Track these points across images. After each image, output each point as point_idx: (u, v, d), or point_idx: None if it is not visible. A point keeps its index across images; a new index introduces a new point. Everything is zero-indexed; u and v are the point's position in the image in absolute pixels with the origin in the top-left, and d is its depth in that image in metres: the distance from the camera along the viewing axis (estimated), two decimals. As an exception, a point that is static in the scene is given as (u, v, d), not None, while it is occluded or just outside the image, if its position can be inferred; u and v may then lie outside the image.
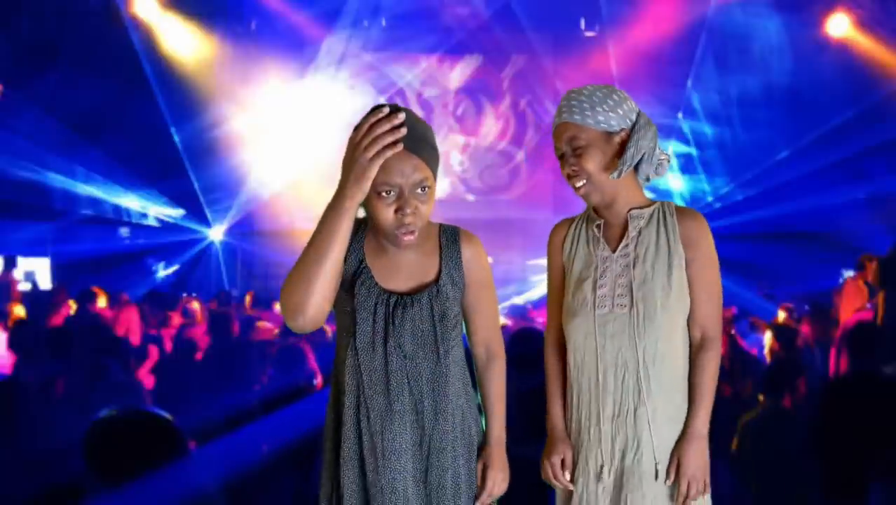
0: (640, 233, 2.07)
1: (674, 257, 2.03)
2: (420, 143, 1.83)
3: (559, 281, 2.18)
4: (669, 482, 2.00)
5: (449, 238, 1.99)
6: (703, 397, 2.02)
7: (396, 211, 1.82)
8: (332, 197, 1.80)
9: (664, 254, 2.04)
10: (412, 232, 1.85)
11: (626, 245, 2.07)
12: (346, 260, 1.90)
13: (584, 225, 2.16)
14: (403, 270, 1.94)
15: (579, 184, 2.07)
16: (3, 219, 10.73)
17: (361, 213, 1.93)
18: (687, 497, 1.98)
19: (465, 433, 1.98)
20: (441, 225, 2.01)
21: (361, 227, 1.97)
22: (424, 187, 1.84)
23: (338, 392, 1.95)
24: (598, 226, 2.12)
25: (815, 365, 5.57)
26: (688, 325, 2.06)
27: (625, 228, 2.09)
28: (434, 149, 1.89)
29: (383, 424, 1.88)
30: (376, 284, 1.91)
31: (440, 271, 1.95)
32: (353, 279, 1.91)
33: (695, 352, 2.06)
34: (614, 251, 2.08)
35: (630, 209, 2.09)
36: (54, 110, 10.46)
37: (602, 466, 2.04)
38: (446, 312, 1.93)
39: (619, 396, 2.02)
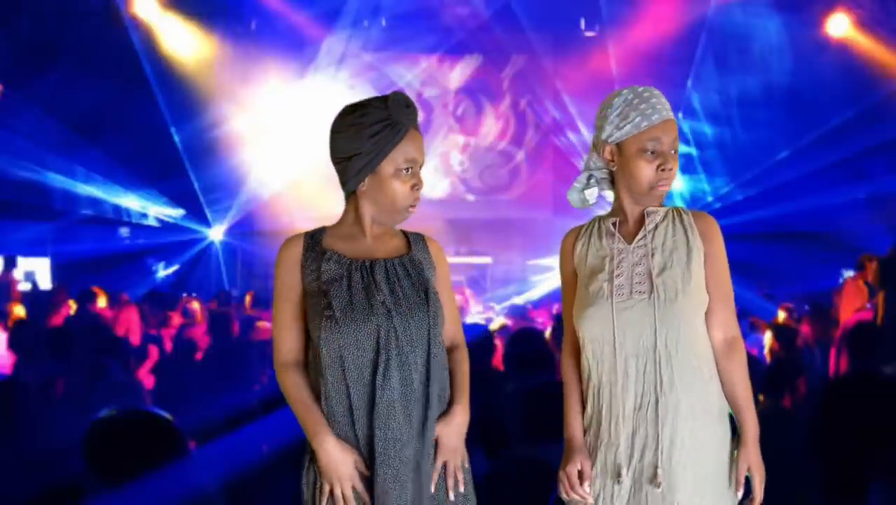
0: (656, 227, 2.07)
1: (693, 249, 2.02)
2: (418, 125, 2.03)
3: (572, 286, 2.13)
4: (740, 493, 1.97)
5: (415, 236, 2.12)
6: (749, 402, 2.01)
7: (412, 187, 1.99)
8: (308, 430, 1.94)
9: (682, 244, 2.03)
10: (415, 206, 2.01)
11: (644, 237, 2.06)
12: (305, 272, 1.97)
13: (597, 225, 2.15)
14: (374, 248, 2.02)
15: (667, 187, 2.05)
16: (3, 219, 10.71)
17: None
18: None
19: (443, 391, 1.99)
20: (403, 230, 2.13)
21: (316, 236, 2.02)
22: (421, 165, 2.02)
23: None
24: (614, 223, 2.11)
25: (815, 365, 5.57)
26: (706, 327, 2.03)
27: (639, 226, 2.08)
28: None
29: (374, 378, 1.88)
30: (346, 257, 1.97)
31: (410, 249, 2.06)
32: (320, 268, 1.96)
33: (722, 356, 2.02)
34: (630, 244, 2.07)
35: (646, 208, 2.09)
36: (54, 110, 10.44)
37: (620, 467, 1.97)
38: (422, 274, 1.99)
39: (642, 388, 1.97)
